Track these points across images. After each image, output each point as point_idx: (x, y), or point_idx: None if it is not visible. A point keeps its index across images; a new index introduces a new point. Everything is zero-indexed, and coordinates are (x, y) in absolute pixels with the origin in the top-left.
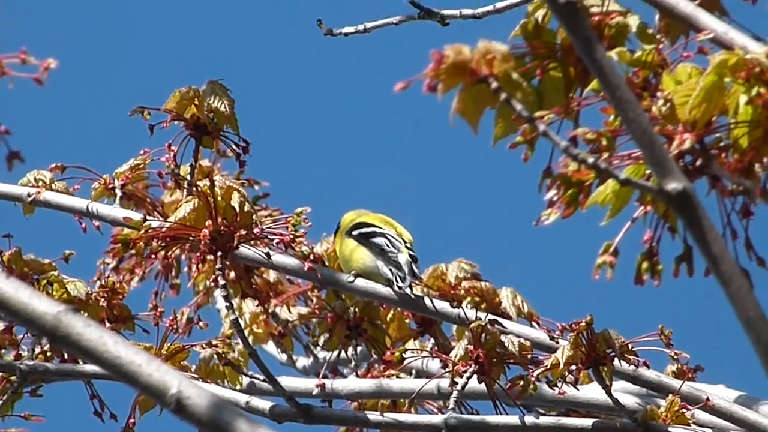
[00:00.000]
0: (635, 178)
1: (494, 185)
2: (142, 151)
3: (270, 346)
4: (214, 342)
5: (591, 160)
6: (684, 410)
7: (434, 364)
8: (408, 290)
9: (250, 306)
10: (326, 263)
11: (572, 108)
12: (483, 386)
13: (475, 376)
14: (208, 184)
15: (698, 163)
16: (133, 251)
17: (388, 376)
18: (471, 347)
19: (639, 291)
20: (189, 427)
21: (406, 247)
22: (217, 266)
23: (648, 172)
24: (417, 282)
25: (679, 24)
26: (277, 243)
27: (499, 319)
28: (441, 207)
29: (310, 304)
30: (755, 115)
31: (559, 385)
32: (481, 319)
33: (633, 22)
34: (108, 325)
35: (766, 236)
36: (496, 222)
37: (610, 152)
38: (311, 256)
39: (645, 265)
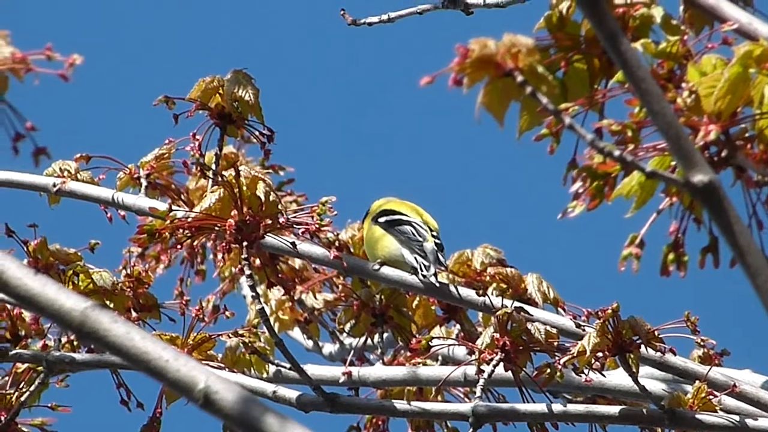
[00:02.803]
0: (660, 169)
1: (520, 176)
2: (167, 141)
3: (296, 333)
4: (240, 331)
5: (616, 152)
6: (711, 396)
7: (460, 350)
8: (433, 278)
9: (275, 293)
10: (351, 250)
11: (597, 100)
12: (509, 374)
13: (501, 363)
14: (234, 174)
15: (723, 154)
16: (159, 239)
17: (415, 364)
18: (497, 335)
19: (665, 279)
20: (216, 420)
21: (432, 235)
22: (242, 256)
23: (673, 163)
24: (442, 269)
25: (704, 15)
26: (303, 232)
27: (525, 307)
28: (468, 195)
29: (335, 291)
30: None
31: (586, 372)
32: (507, 306)
33: (657, 13)
34: (134, 314)
35: None
36: (522, 212)
37: (636, 144)
38: (336, 244)
39: (671, 256)
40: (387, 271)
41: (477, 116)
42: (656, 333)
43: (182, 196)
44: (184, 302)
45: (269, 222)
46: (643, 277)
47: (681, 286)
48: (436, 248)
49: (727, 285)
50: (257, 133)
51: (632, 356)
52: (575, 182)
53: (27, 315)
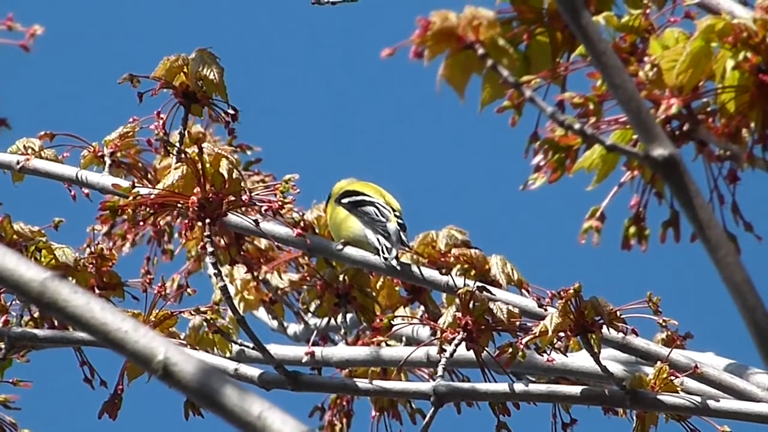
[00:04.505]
0: (622, 143)
1: (483, 151)
2: (131, 119)
3: (261, 313)
4: (202, 309)
5: (577, 125)
6: (672, 378)
7: (424, 332)
8: (394, 261)
9: (241, 272)
10: (316, 230)
11: (559, 73)
12: (472, 354)
13: (463, 343)
14: (197, 151)
15: (685, 128)
16: (124, 218)
17: (377, 343)
18: (459, 314)
19: (628, 258)
20: (177, 394)
21: (395, 215)
22: (205, 233)
23: (635, 137)
24: (405, 250)
25: None
26: (266, 210)
27: (488, 287)
28: (430, 174)
29: (301, 271)
30: (742, 80)
31: (548, 352)
32: (469, 286)
33: None
34: (97, 291)
35: (752, 201)
36: (486, 189)
37: (597, 117)
38: (301, 223)
39: (632, 230)
40: (350, 251)
41: (438, 89)
42: (618, 314)
43: (148, 175)
44: (147, 280)
45: (232, 199)
46: (607, 255)
47: (645, 266)
48: (398, 229)
49: (691, 266)
50: (222, 112)
51: (594, 337)
52: (537, 155)
53: None
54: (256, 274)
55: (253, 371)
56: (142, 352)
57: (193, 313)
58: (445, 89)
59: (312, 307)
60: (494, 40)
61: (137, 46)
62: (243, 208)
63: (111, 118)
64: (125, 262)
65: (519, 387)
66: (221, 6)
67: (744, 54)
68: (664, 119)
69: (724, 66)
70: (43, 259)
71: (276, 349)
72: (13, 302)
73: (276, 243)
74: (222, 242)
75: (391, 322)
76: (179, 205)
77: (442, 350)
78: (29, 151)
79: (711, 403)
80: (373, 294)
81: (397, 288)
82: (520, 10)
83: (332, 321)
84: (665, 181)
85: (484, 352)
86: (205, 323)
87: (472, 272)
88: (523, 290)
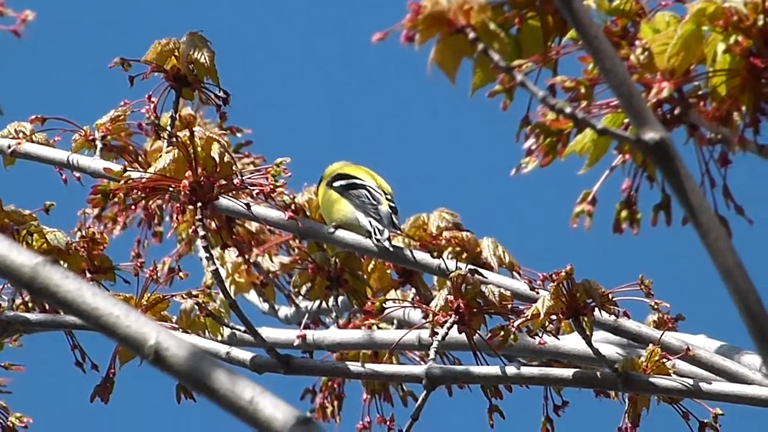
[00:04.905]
0: (613, 127)
1: (473, 134)
2: (122, 103)
3: (252, 295)
4: (194, 292)
5: (568, 109)
6: (664, 360)
7: (416, 315)
8: (386, 243)
9: (232, 255)
10: (308, 213)
11: (551, 57)
12: (464, 337)
13: (455, 326)
14: (188, 134)
15: (676, 111)
16: (116, 201)
17: (369, 326)
18: (451, 297)
19: (619, 241)
20: (168, 378)
21: (387, 198)
22: (197, 217)
23: (626, 121)
24: (397, 233)
25: None
26: (257, 193)
27: (480, 270)
28: (421, 157)
29: (292, 254)
30: (733, 63)
31: (540, 335)
32: (461, 269)
33: None
34: (88, 275)
35: (743, 185)
36: (476, 172)
37: (589, 101)
38: (292, 206)
39: (623, 213)
40: (342, 234)
41: (429, 73)
42: (610, 296)
43: (139, 158)
44: (139, 264)
45: (224, 183)
46: (599, 237)
47: (637, 248)
48: (390, 212)
49: (683, 249)
50: (213, 95)
51: (586, 319)
52: (528, 139)
53: None
54: (247, 257)
55: (245, 355)
56: (133, 337)
57: (185, 296)
58: (436, 73)
59: (303, 290)
60: (485, 25)
61: (129, 30)
62: (234, 192)
63: (102, 102)
64: (115, 244)
65: (511, 370)
66: None
67: (735, 37)
68: (655, 103)
69: (715, 49)
70: (35, 243)
71: (268, 333)
72: (5, 287)
73: (267, 227)
74: (213, 225)
75: (383, 305)
76: (171, 188)
77: (434, 333)
78: (20, 135)
79: (703, 385)
80: (365, 277)
81: (388, 271)
82: None
83: (323, 304)
84: (656, 164)
85: (476, 335)
86: (196, 306)
87: (464, 255)
88: (515, 273)
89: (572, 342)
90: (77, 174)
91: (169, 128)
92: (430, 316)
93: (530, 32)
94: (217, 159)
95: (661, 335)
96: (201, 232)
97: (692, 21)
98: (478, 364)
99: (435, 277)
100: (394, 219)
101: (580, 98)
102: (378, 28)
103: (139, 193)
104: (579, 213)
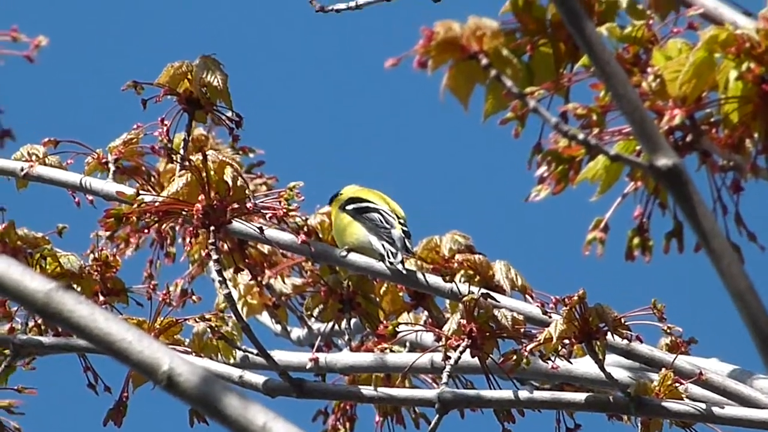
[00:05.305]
0: (625, 153)
1: (487, 161)
2: (135, 126)
3: (264, 317)
4: (207, 316)
5: (581, 136)
6: (677, 384)
7: (428, 337)
8: (399, 266)
9: (244, 277)
10: (320, 236)
11: (563, 84)
12: (476, 360)
13: (468, 350)
14: (201, 158)
15: (688, 138)
16: (127, 223)
17: (382, 350)
18: (464, 321)
19: (631, 265)
20: (181, 403)
21: (400, 222)
22: (210, 240)
23: (638, 147)
24: (409, 256)
25: None
26: (270, 217)
27: (492, 293)
28: (433, 180)
29: (304, 276)
30: (745, 90)
31: (553, 359)
32: (473, 293)
33: None
34: (102, 298)
35: (755, 211)
36: (488, 195)
37: (601, 128)
38: (305, 229)
39: (636, 240)
40: (354, 257)
41: (442, 99)
42: (623, 320)
43: (152, 179)
44: (151, 286)
45: (236, 207)
46: (611, 264)
47: (650, 276)
48: (403, 235)
49: (695, 274)
50: (225, 118)
51: (599, 343)
52: (540, 166)
53: None
54: (259, 279)
55: (258, 378)
56: (146, 363)
57: (197, 320)
58: (448, 98)
59: (315, 313)
60: (498, 51)
61: (142, 52)
62: (247, 215)
63: (115, 125)
64: (127, 263)
65: (524, 394)
66: (226, 15)
67: (747, 64)
68: (667, 130)
69: (727, 76)
70: (48, 266)
71: (280, 356)
72: (19, 309)
73: (280, 250)
74: (225, 247)
75: (396, 329)
76: (184, 212)
77: (446, 357)
78: (33, 157)
79: (715, 409)
80: (377, 300)
81: (400, 294)
82: (523, 20)
83: (336, 326)
84: (669, 191)
85: (489, 358)
86: (209, 330)
87: (476, 278)
88: (527, 296)
89: (585, 366)
90: (90, 197)
91: (181, 151)
92: (443, 339)
93: (542, 59)
94: (230, 183)
95: (674, 359)
96: (214, 256)
97: (704, 48)
98: (490, 388)
99: (447, 300)
100: (407, 243)
101: (592, 125)
102: (383, 50)
103: (152, 216)
104: (591, 240)
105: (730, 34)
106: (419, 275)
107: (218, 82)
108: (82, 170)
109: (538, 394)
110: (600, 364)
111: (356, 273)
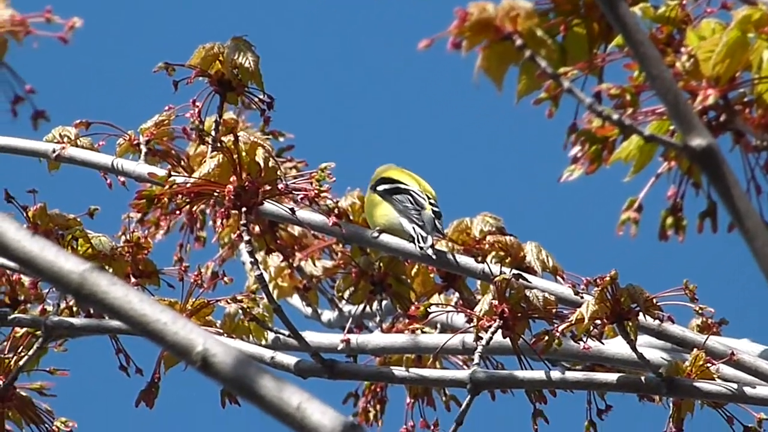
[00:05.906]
0: (659, 134)
1: (519, 142)
2: (166, 107)
3: (295, 300)
4: (238, 297)
5: (615, 116)
6: (709, 365)
7: (459, 318)
8: (429, 250)
9: (275, 259)
10: (351, 218)
11: (596, 64)
12: (508, 341)
13: (499, 331)
14: (233, 139)
15: (722, 118)
16: (158, 205)
17: (413, 331)
18: (495, 302)
19: (664, 245)
20: (214, 384)
21: (430, 203)
22: (241, 222)
23: (672, 127)
24: (440, 237)
25: None
26: (302, 198)
27: (524, 274)
28: (465, 161)
29: (335, 258)
30: None
31: (584, 339)
32: (505, 273)
33: None
34: (133, 280)
35: None
36: (520, 176)
37: (634, 108)
38: (336, 211)
39: (669, 220)
40: (386, 238)
41: (475, 80)
42: (654, 301)
43: (182, 162)
44: (183, 268)
45: (268, 188)
46: (643, 242)
47: (682, 256)
48: (434, 216)
49: (727, 254)
50: (257, 100)
51: (630, 324)
52: (574, 146)
53: (26, 280)
54: (290, 261)
55: (290, 359)
56: (181, 344)
57: (229, 301)
58: (482, 80)
59: (346, 294)
60: (532, 31)
61: (173, 34)
62: (279, 197)
63: (147, 107)
64: (156, 249)
65: (556, 375)
66: None
67: None
68: (701, 110)
69: (760, 56)
70: (79, 248)
71: (311, 337)
72: (50, 291)
73: (311, 231)
74: (256, 230)
75: (428, 310)
76: (215, 193)
77: (478, 338)
78: (65, 139)
79: (747, 389)
80: (408, 281)
81: (431, 275)
82: (556, 1)
83: (367, 308)
84: (703, 171)
85: (520, 339)
86: (240, 311)
87: (507, 259)
88: (558, 277)
89: (616, 346)
90: (121, 178)
91: (213, 133)
92: (474, 320)
93: (575, 39)
94: (262, 164)
95: (705, 340)
96: (246, 237)
97: (738, 28)
98: (522, 369)
99: (478, 281)
100: (437, 224)
101: (626, 105)
102: (416, 29)
103: (184, 198)
104: (625, 220)
105: (763, 14)
106: (450, 256)
107: (250, 63)
108: (113, 152)
109: (571, 375)
110: (632, 344)
111: (388, 254)
